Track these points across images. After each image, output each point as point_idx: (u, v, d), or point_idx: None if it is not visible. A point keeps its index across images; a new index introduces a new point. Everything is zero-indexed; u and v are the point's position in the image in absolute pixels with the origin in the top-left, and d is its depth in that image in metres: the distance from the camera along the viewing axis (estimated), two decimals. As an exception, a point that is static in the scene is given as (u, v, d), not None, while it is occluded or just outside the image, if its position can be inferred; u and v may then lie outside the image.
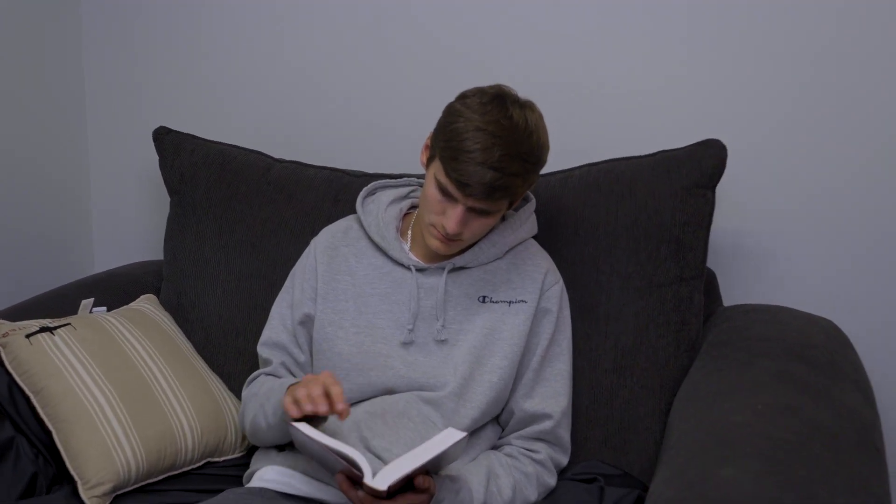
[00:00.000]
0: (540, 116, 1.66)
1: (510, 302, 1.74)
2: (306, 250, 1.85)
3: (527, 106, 1.65)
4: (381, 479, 1.43)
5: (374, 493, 1.45)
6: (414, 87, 2.26)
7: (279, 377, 1.77)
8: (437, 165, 1.64)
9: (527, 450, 1.73)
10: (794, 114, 2.07)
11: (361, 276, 1.77)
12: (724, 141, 1.86)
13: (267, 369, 1.80)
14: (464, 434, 1.50)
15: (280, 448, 1.75)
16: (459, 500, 1.58)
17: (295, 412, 1.53)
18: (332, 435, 1.65)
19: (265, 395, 1.71)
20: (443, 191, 1.63)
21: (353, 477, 1.50)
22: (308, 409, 1.51)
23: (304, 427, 1.49)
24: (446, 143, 1.61)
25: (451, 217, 1.63)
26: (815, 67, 2.04)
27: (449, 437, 1.50)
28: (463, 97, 1.66)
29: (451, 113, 1.64)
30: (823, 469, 1.32)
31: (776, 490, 1.25)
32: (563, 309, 1.79)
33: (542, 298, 1.76)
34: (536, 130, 1.63)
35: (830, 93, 2.04)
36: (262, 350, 1.82)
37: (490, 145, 1.57)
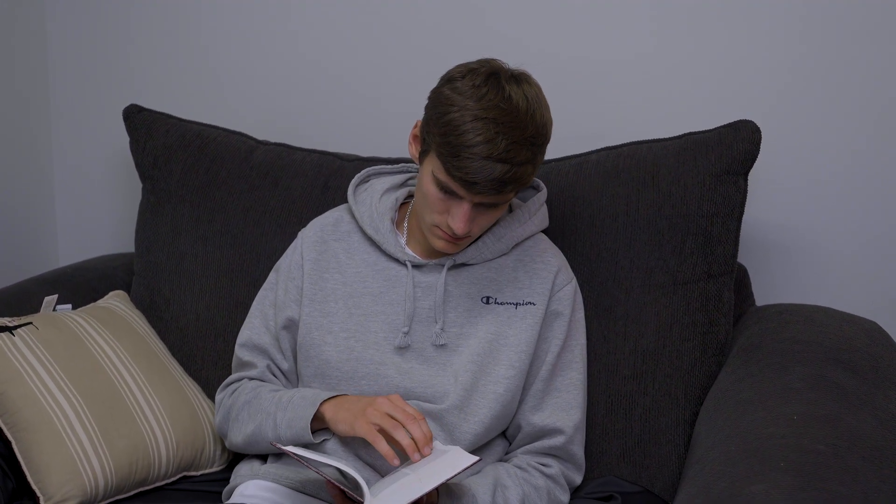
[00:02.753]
0: (538, 88, 1.65)
1: (517, 304, 1.75)
2: (293, 244, 1.86)
3: (522, 80, 1.64)
4: None
5: None
6: (414, 61, 2.26)
7: (265, 381, 1.80)
8: (434, 162, 1.63)
9: (538, 463, 1.74)
10: (836, 92, 2.07)
11: (352, 273, 1.78)
12: (758, 122, 1.87)
13: (252, 373, 1.81)
14: (477, 459, 1.52)
15: (263, 459, 1.77)
16: None
17: (388, 453, 1.55)
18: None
19: (277, 404, 1.70)
20: (445, 189, 1.63)
21: (350, 497, 1.53)
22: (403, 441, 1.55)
23: (295, 450, 1.51)
24: (442, 137, 1.60)
25: (458, 216, 1.63)
26: (860, 39, 2.05)
27: (459, 460, 1.52)
28: (450, 80, 1.64)
29: (440, 101, 1.63)
30: (863, 484, 1.33)
31: (811, 508, 1.27)
32: (577, 311, 1.80)
33: (552, 300, 1.76)
34: (539, 107, 1.63)
35: (877, 68, 2.05)
36: (242, 352, 1.83)
37: (493, 136, 1.57)
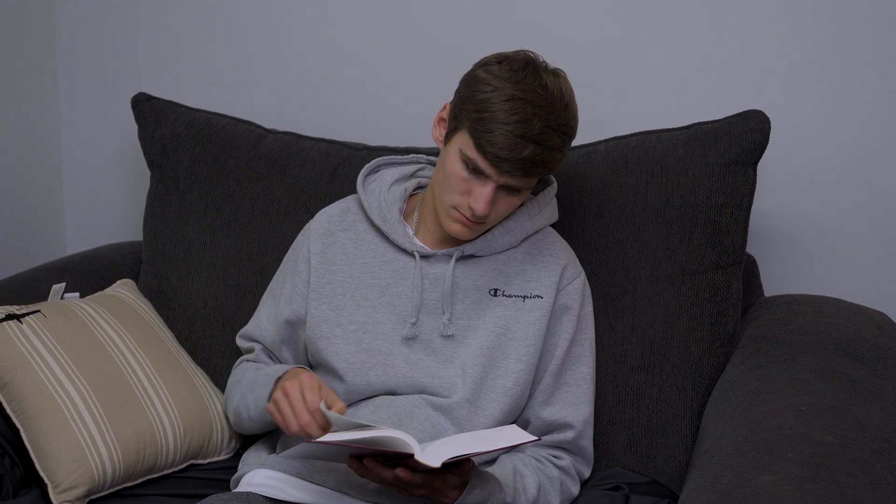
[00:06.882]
0: (571, 86, 1.68)
1: (524, 297, 1.75)
2: (300, 235, 1.86)
3: (559, 75, 1.67)
4: (432, 456, 1.43)
5: (416, 470, 1.48)
6: (423, 49, 2.26)
7: (259, 362, 1.83)
8: (463, 139, 1.64)
9: (549, 454, 1.75)
10: (846, 82, 2.07)
11: (360, 264, 1.79)
12: (767, 112, 1.86)
13: (250, 356, 1.85)
14: (535, 438, 1.54)
15: (271, 448, 1.78)
16: (490, 490, 1.60)
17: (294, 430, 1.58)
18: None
19: (248, 385, 1.76)
20: (471, 167, 1.64)
21: (390, 455, 1.50)
22: (301, 422, 1.57)
23: (328, 437, 1.48)
24: (477, 114, 1.61)
25: (480, 196, 1.64)
26: (870, 28, 2.04)
27: (515, 435, 1.53)
28: (486, 64, 1.66)
29: (475, 81, 1.64)
30: (872, 476, 1.33)
31: (819, 499, 1.26)
32: (586, 305, 1.80)
33: (560, 294, 1.76)
34: (572, 101, 1.66)
35: (887, 57, 2.04)
36: (241, 342, 1.88)
37: (530, 116, 1.59)
